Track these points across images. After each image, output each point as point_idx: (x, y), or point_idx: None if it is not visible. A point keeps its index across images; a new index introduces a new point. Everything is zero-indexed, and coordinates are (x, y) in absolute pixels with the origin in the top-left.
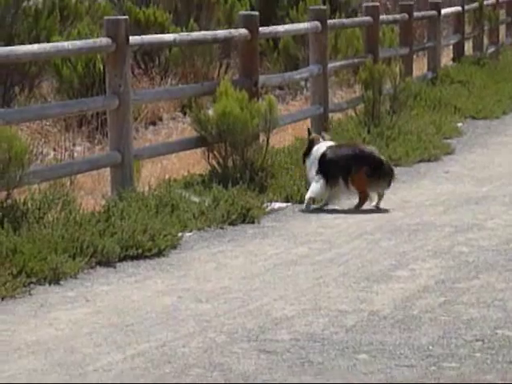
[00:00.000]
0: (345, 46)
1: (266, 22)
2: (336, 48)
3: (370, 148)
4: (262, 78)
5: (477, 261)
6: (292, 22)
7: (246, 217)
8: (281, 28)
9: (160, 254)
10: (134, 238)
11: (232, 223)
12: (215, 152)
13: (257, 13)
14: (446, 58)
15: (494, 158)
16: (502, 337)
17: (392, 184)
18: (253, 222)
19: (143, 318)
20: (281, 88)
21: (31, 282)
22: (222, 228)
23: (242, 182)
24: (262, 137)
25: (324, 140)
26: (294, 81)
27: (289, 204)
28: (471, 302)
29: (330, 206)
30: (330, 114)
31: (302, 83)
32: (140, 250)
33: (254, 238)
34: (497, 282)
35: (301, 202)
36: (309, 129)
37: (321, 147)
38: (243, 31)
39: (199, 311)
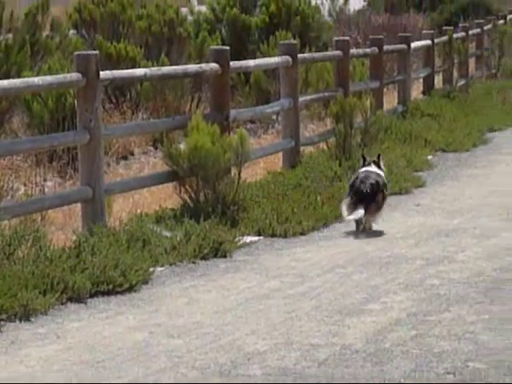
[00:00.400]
0: (315, 79)
1: (237, 57)
2: (307, 82)
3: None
4: (233, 112)
5: (448, 293)
6: (263, 56)
7: (218, 251)
8: (252, 62)
9: (131, 289)
10: (105, 273)
11: (204, 257)
12: (187, 186)
13: (228, 47)
14: (416, 92)
15: (465, 190)
16: (472, 369)
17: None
18: (225, 256)
19: (114, 354)
20: (252, 122)
21: (1, 319)
22: (193, 262)
23: (213, 216)
24: (234, 170)
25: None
26: (266, 115)
27: (261, 238)
28: (442, 334)
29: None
30: (302, 148)
31: (274, 117)
32: (111, 286)
33: (226, 272)
34: (468, 314)
35: (273, 235)
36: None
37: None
38: (214, 66)
39: (171, 347)
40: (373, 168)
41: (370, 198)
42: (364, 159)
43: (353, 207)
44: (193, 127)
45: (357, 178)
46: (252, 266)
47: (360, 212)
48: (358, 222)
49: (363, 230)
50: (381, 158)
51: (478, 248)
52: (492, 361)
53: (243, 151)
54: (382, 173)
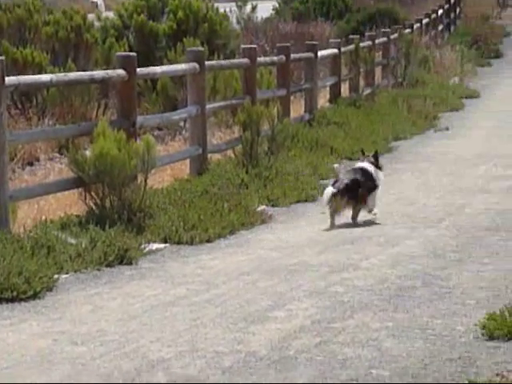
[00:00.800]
0: (223, 87)
1: (145, 63)
2: (215, 89)
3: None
4: (140, 119)
5: (352, 301)
6: (170, 62)
7: (124, 258)
8: (159, 69)
9: (35, 296)
10: (9, 280)
11: (109, 265)
12: (92, 193)
13: (134, 54)
14: (323, 100)
15: None
16: (376, 376)
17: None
18: (130, 264)
19: (18, 361)
20: (160, 128)
21: None
22: (98, 270)
23: (119, 223)
24: (140, 177)
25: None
26: (173, 121)
27: (167, 245)
28: (346, 341)
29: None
30: (209, 155)
31: (181, 124)
32: (15, 293)
33: (132, 279)
34: (371, 321)
35: (179, 242)
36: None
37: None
38: (120, 72)
39: (75, 354)
40: (364, 164)
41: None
42: (363, 153)
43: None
44: (99, 134)
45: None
46: (158, 274)
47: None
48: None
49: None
50: (378, 154)
51: (382, 256)
52: (395, 368)
53: (149, 158)
54: (370, 169)
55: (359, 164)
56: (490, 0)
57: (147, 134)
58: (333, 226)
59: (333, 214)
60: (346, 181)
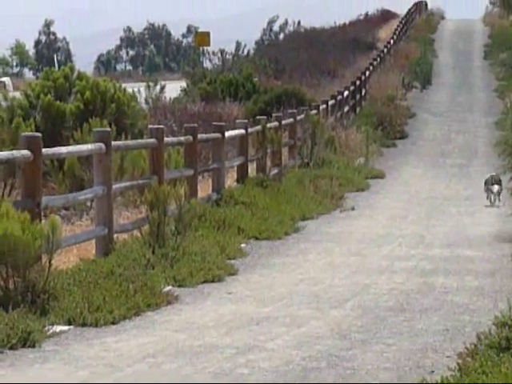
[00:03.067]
0: (131, 166)
1: (52, 143)
2: (122, 169)
3: None
4: (45, 199)
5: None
6: (77, 142)
7: (27, 341)
8: (64, 149)
9: None
10: None
11: (12, 347)
12: None
13: (39, 134)
14: (231, 180)
15: (276, 278)
16: None
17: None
18: (34, 346)
19: None
20: (66, 208)
21: None
22: (1, 352)
23: (23, 305)
24: (45, 258)
25: None
26: (79, 202)
27: (71, 327)
28: None
29: None
30: (116, 235)
31: (88, 203)
32: None
33: (35, 362)
34: None
35: (84, 324)
36: None
37: None
38: (25, 152)
39: None
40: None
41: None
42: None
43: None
44: (2, 214)
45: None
46: (61, 356)
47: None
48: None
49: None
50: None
51: (287, 336)
52: None
53: (54, 238)
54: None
55: None
56: (394, 81)
57: (53, 215)
58: None
59: None
60: None
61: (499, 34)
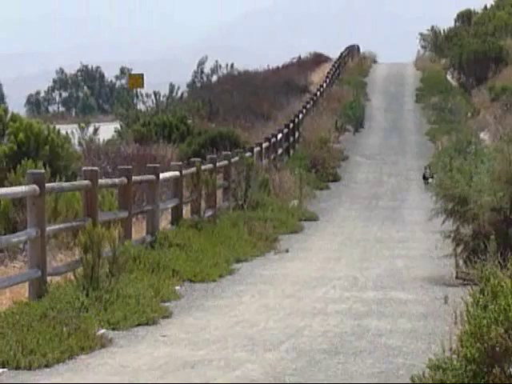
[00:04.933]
0: (65, 208)
1: None
2: (56, 210)
3: None
4: None
5: None
6: (11, 184)
7: None
8: None
9: None
10: None
11: None
12: None
13: None
14: (165, 221)
15: (211, 321)
16: None
17: None
18: None
19: None
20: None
21: None
22: None
23: None
24: None
25: None
26: (12, 244)
27: (5, 370)
28: None
29: None
30: (49, 278)
31: (22, 245)
32: None
33: None
34: None
35: (17, 367)
36: None
37: None
38: None
39: None
40: None
41: None
42: None
43: None
44: None
45: None
46: None
47: None
48: None
49: None
50: None
51: (221, 380)
52: None
53: None
54: None
55: None
56: (327, 124)
57: None
58: None
59: None
60: None
61: (431, 77)
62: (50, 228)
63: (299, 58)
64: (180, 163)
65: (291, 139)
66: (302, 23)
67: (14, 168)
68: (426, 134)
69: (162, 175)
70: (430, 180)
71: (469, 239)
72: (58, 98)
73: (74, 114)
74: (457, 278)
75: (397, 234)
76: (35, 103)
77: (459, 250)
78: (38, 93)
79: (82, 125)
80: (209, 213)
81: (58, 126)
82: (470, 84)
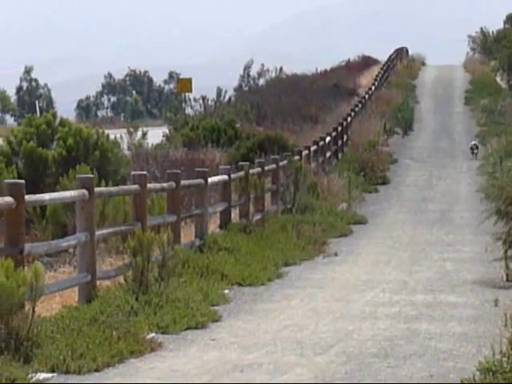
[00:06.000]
0: (113, 212)
1: (34, 189)
2: (104, 215)
3: None
4: (28, 246)
5: None
6: (63, 189)
7: None
8: (47, 196)
9: None
10: None
11: None
12: None
13: (23, 181)
14: (214, 225)
15: (260, 324)
16: None
17: None
18: None
19: None
20: (49, 255)
21: None
22: None
23: (6, 352)
24: (28, 305)
25: None
26: (62, 248)
27: (54, 374)
28: None
29: None
30: (99, 282)
31: (71, 250)
32: None
33: None
34: None
35: (67, 371)
36: None
37: None
38: (8, 199)
39: None
40: None
41: None
42: None
43: None
44: None
45: None
46: None
47: None
48: None
49: None
50: None
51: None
52: None
53: (37, 286)
54: None
55: None
56: (376, 127)
57: (36, 261)
58: None
59: None
60: None
61: (480, 79)
62: (99, 232)
63: (348, 60)
64: (228, 167)
65: (339, 142)
66: (350, 26)
67: (64, 173)
68: (475, 137)
69: (210, 179)
70: (476, 151)
71: None
72: (106, 103)
73: (122, 118)
74: (507, 280)
75: (446, 236)
76: (83, 108)
77: (510, 252)
78: (87, 98)
79: (131, 129)
80: (257, 216)
81: (106, 131)
82: None
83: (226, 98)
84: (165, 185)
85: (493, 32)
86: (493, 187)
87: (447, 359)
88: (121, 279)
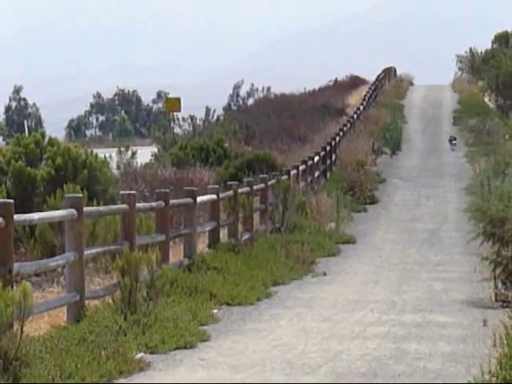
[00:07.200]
0: (103, 232)
1: (23, 209)
2: (94, 234)
3: None
4: (16, 266)
5: None
6: (50, 208)
7: None
8: (36, 216)
9: None
10: None
11: None
12: None
13: (11, 201)
14: (202, 245)
15: (249, 344)
16: None
17: None
18: None
19: None
20: (37, 274)
21: None
22: None
23: None
24: (17, 325)
25: None
26: (50, 268)
27: None
28: None
29: None
30: (87, 301)
31: (60, 270)
32: None
33: None
34: None
35: None
36: None
37: None
38: None
39: None
40: None
41: None
42: None
43: None
44: None
45: None
46: None
47: None
48: None
49: None
50: None
51: None
52: None
53: (26, 305)
54: None
55: None
56: (364, 147)
57: (24, 281)
58: None
59: None
60: None
61: (468, 99)
62: (87, 252)
63: (336, 80)
64: (217, 186)
65: (328, 162)
66: (336, 47)
67: (52, 192)
68: (463, 157)
69: (199, 198)
70: (454, 141)
71: (508, 261)
72: (95, 122)
73: (111, 137)
74: (496, 300)
75: (435, 256)
76: (73, 127)
77: (498, 272)
78: (79, 117)
79: (120, 149)
80: (246, 236)
81: (95, 150)
82: (508, 106)
83: (215, 117)
84: (154, 204)
85: (481, 52)
86: (477, 211)
87: (436, 379)
88: (109, 299)
